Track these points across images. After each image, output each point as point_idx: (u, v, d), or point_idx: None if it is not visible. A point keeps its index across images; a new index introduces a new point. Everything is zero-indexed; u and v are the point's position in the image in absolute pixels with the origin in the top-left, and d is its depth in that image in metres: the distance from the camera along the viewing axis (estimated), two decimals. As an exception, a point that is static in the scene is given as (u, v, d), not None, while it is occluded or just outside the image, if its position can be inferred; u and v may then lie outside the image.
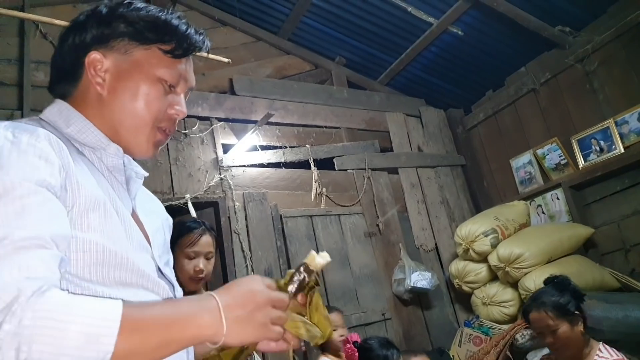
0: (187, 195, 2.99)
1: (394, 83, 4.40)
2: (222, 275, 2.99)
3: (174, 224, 1.55)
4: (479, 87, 4.33)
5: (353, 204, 3.64)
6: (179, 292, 0.89)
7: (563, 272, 3.03)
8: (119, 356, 0.58)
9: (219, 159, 3.24)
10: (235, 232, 3.08)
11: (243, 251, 3.05)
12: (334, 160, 3.73)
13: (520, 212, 3.62)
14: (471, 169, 4.34)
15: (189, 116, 3.26)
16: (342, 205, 3.58)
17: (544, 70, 3.81)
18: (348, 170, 3.76)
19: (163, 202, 3.12)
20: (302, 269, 0.85)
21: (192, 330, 0.65)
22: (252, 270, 3.02)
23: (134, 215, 0.85)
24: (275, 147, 3.53)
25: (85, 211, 0.71)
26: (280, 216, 3.25)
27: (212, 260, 1.72)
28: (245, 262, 3.03)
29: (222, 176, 3.20)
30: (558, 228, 3.45)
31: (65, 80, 0.85)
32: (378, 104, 4.22)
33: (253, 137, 3.35)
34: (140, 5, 0.86)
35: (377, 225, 3.65)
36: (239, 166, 3.30)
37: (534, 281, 3.05)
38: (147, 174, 0.94)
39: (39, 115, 0.83)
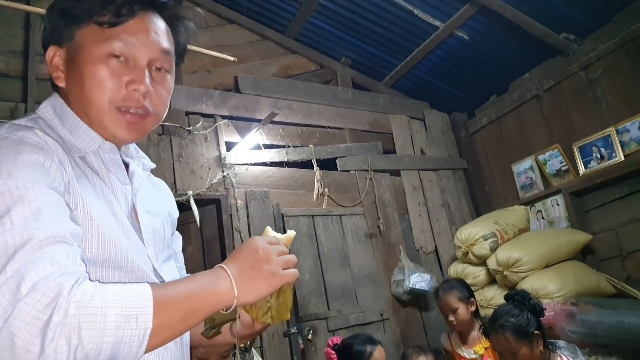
0: (190, 192, 3.02)
1: (398, 85, 4.42)
2: (223, 272, 3.01)
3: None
4: (483, 92, 4.35)
5: (354, 205, 3.67)
6: None
7: (561, 277, 3.10)
8: (155, 331, 0.64)
9: (222, 156, 3.26)
10: (236, 230, 3.11)
11: (244, 249, 3.07)
12: (337, 160, 3.76)
13: (520, 217, 3.64)
14: (473, 173, 4.37)
15: (192, 113, 3.29)
16: (343, 206, 3.61)
17: (548, 76, 3.83)
18: (350, 171, 3.79)
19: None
20: None
21: (212, 297, 0.72)
22: (253, 267, 3.05)
23: (134, 211, 0.86)
24: (278, 146, 3.55)
25: (88, 213, 0.74)
26: (282, 215, 3.28)
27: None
28: (246, 260, 3.05)
29: (224, 174, 3.22)
30: (557, 234, 3.47)
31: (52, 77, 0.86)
32: (382, 105, 4.24)
33: (256, 136, 3.37)
34: None
35: (378, 226, 3.68)
36: (242, 164, 3.33)
37: (531, 285, 3.08)
38: (154, 166, 0.95)
39: (37, 110, 0.83)
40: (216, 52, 2.96)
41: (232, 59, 2.71)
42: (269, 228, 0.90)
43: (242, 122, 3.49)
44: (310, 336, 3.07)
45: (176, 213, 1.03)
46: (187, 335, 0.92)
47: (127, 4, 0.79)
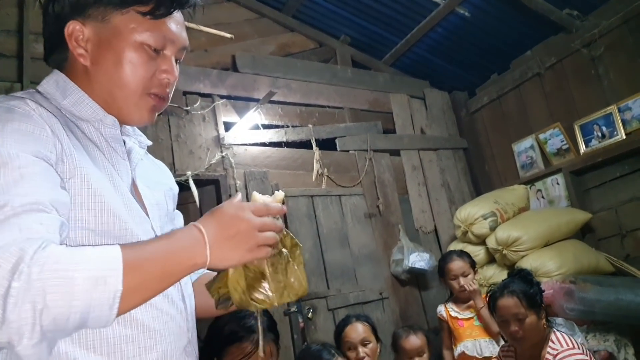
0: (189, 173, 3.00)
1: (398, 64, 4.36)
2: (222, 252, 3.02)
3: (224, 331, 1.41)
4: (484, 70, 4.30)
5: (354, 185, 3.66)
6: None
7: (560, 256, 3.10)
8: (125, 294, 0.62)
9: (221, 136, 3.24)
10: (236, 210, 3.10)
11: (244, 229, 3.07)
12: (336, 140, 3.73)
13: (520, 196, 3.64)
14: (473, 153, 4.35)
15: (190, 93, 3.26)
16: (343, 186, 3.60)
17: (550, 54, 3.78)
18: (350, 151, 3.76)
19: (165, 178, 3.11)
20: None
21: (186, 262, 0.71)
22: (253, 247, 3.05)
23: (134, 186, 0.86)
24: (277, 126, 3.53)
25: (78, 187, 0.73)
26: (281, 195, 3.27)
27: None
28: (246, 240, 3.05)
29: (223, 154, 3.20)
30: (556, 213, 3.47)
31: (55, 51, 0.84)
32: (382, 84, 4.20)
33: (255, 116, 3.34)
34: None
35: (378, 206, 3.68)
36: (241, 144, 3.30)
37: (530, 264, 3.08)
38: (150, 143, 0.96)
39: (37, 87, 0.83)
40: (213, 30, 2.91)
41: (229, 36, 2.67)
42: (255, 193, 0.88)
43: (241, 102, 3.45)
44: (310, 315, 3.09)
45: (176, 188, 1.03)
46: (192, 304, 0.91)
47: (173, 1, 0.82)
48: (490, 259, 3.43)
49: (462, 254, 2.76)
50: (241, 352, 1.35)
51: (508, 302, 1.90)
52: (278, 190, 0.91)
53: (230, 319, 1.40)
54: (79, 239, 0.72)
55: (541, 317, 1.88)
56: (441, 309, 2.77)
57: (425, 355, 2.17)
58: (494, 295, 2.00)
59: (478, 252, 3.45)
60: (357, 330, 2.11)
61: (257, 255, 0.77)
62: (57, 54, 0.85)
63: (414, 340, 2.17)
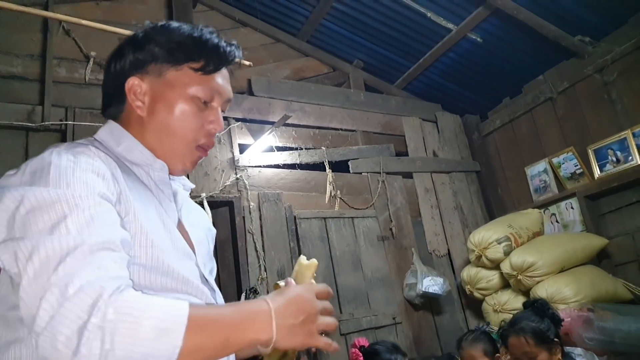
0: (203, 194, 3.03)
1: (411, 87, 4.41)
2: (234, 275, 3.02)
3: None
4: (496, 94, 4.32)
5: (367, 207, 3.66)
6: (220, 297, 0.94)
7: (576, 282, 3.06)
8: (186, 351, 0.64)
9: (235, 158, 3.28)
10: (249, 232, 3.11)
11: (257, 251, 3.08)
12: (349, 163, 3.75)
13: (534, 221, 3.61)
14: (486, 176, 4.34)
15: (207, 116, 3.30)
16: (355, 208, 3.60)
17: (562, 79, 3.80)
18: (363, 174, 3.78)
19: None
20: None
21: (250, 333, 0.70)
22: (265, 270, 3.06)
23: (180, 225, 0.92)
24: (291, 149, 3.56)
25: (133, 225, 0.78)
26: (294, 217, 3.28)
27: None
28: (259, 262, 3.06)
29: (237, 176, 3.24)
30: (572, 238, 3.44)
31: (113, 104, 0.92)
32: (394, 107, 4.24)
33: (269, 138, 3.38)
34: (173, 26, 0.91)
35: (390, 229, 3.67)
36: (255, 166, 3.34)
37: (546, 290, 3.05)
38: (193, 186, 1.03)
39: (94, 135, 0.91)
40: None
41: (247, 63, 2.71)
42: (303, 258, 0.94)
43: (255, 125, 3.50)
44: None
45: (214, 229, 1.09)
46: None
47: (219, 61, 0.90)
48: (505, 284, 3.39)
49: (478, 338, 2.32)
50: None
51: (516, 341, 1.87)
52: (313, 259, 0.97)
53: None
54: (131, 274, 0.75)
55: (555, 353, 1.83)
56: None
57: None
58: (504, 332, 1.97)
59: (492, 277, 3.41)
60: None
61: (315, 342, 0.77)
62: (114, 107, 0.92)
63: None
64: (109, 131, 0.90)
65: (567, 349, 2.29)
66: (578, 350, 2.27)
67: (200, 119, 0.89)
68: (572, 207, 3.71)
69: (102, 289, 0.63)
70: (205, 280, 0.89)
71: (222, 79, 0.92)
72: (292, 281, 0.88)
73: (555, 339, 1.86)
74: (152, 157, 0.89)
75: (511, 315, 3.25)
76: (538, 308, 1.97)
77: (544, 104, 3.94)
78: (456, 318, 3.68)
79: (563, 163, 3.75)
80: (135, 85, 0.88)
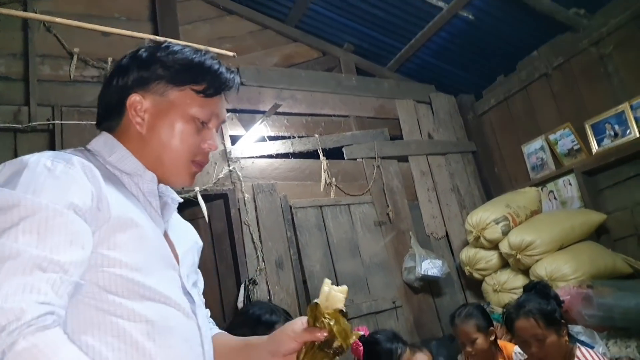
0: (197, 188, 3.00)
1: (403, 69, 4.34)
2: (232, 266, 3.01)
3: (248, 320, 1.49)
4: (490, 72, 4.26)
5: (363, 193, 3.63)
6: (201, 309, 0.95)
7: (575, 259, 3.04)
8: None
9: (228, 150, 3.24)
10: (245, 224, 3.09)
11: (254, 242, 3.07)
12: (343, 149, 3.71)
13: (532, 199, 3.59)
14: (482, 156, 4.30)
15: (197, 108, 3.26)
16: (351, 195, 3.57)
17: (557, 54, 3.73)
18: (357, 159, 3.74)
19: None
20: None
21: None
22: (263, 260, 3.04)
23: (166, 235, 0.92)
24: (283, 137, 3.52)
25: (114, 231, 0.77)
26: (290, 207, 3.26)
27: None
28: (256, 253, 3.05)
29: (231, 168, 3.20)
30: (570, 214, 3.42)
31: (110, 117, 0.94)
32: (387, 91, 4.18)
33: (261, 128, 3.33)
34: (177, 48, 0.94)
35: (387, 214, 3.65)
36: (248, 157, 3.30)
37: (545, 268, 3.04)
38: (181, 200, 1.03)
39: (87, 145, 0.93)
40: (214, 48, 2.91)
41: (230, 54, 2.66)
42: (327, 280, 0.94)
43: (246, 115, 3.45)
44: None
45: (201, 243, 1.10)
46: (210, 353, 0.92)
47: (220, 86, 0.94)
48: (504, 264, 3.38)
49: (472, 314, 2.27)
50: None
51: (525, 323, 1.82)
52: (343, 285, 0.95)
53: (256, 310, 1.52)
54: (107, 281, 0.75)
55: (562, 334, 1.81)
56: None
57: None
58: (510, 316, 1.91)
59: (491, 257, 3.40)
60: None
61: None
62: (111, 120, 0.94)
63: (421, 358, 2.11)
64: (103, 142, 0.92)
65: (570, 333, 2.29)
66: (578, 328, 2.27)
67: (197, 138, 0.92)
68: (569, 184, 3.68)
69: (22, 313, 0.60)
70: (187, 292, 0.89)
71: (220, 102, 0.96)
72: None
73: (562, 320, 1.85)
74: (142, 168, 0.90)
75: (511, 295, 3.26)
76: (541, 290, 1.94)
77: (539, 81, 3.88)
78: (456, 299, 3.67)
79: (560, 139, 3.71)
80: (137, 102, 0.91)
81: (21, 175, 0.73)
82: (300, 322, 0.92)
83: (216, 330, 1.09)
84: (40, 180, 0.73)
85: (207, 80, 0.92)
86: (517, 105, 4.09)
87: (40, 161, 0.75)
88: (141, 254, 0.80)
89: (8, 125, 2.75)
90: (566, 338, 1.82)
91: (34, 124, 2.80)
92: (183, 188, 3.00)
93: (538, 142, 3.88)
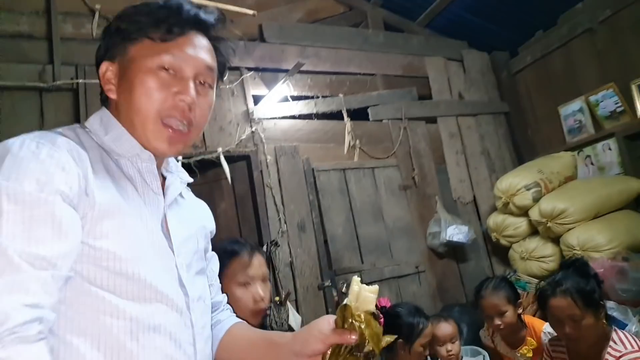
0: (219, 149, 2.96)
1: (434, 24, 4.10)
2: (255, 228, 3.01)
3: (226, 249, 1.46)
4: (527, 28, 3.98)
5: (388, 157, 3.53)
6: (200, 302, 0.88)
7: (610, 229, 2.91)
8: None
9: (250, 111, 3.17)
10: (267, 186, 3.06)
11: (276, 205, 3.04)
12: (368, 110, 3.59)
13: (566, 164, 3.42)
14: (515, 117, 4.10)
15: (218, 66, 3.17)
16: (376, 158, 3.48)
17: (604, 6, 3.43)
18: (383, 121, 3.62)
19: (195, 155, 3.05)
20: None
21: None
22: (285, 223, 3.03)
23: (164, 221, 0.86)
24: (306, 97, 3.41)
25: (100, 219, 0.72)
26: (313, 170, 3.19)
27: (269, 284, 1.50)
28: (278, 216, 3.03)
29: (253, 129, 3.14)
30: (607, 182, 3.24)
31: (102, 92, 0.90)
32: (417, 47, 3.97)
33: (284, 88, 3.23)
34: (138, 4, 0.87)
35: (413, 177, 3.55)
36: (270, 118, 3.22)
37: (577, 237, 2.93)
38: (191, 180, 0.97)
39: (85, 122, 0.88)
40: (236, 7, 2.80)
41: (251, 12, 2.53)
42: (355, 279, 0.85)
43: (269, 74, 3.34)
44: (344, 289, 3.06)
45: (212, 226, 1.03)
46: (205, 350, 0.88)
47: (178, 23, 0.84)
48: (533, 231, 3.27)
49: (500, 285, 2.19)
50: (240, 265, 1.44)
51: (561, 302, 1.70)
52: (374, 285, 0.88)
53: (217, 248, 1.49)
54: (92, 275, 0.71)
55: (600, 317, 1.68)
56: (486, 339, 2.36)
57: (458, 342, 2.07)
58: (545, 293, 1.79)
59: (520, 224, 3.29)
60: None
61: None
62: (102, 94, 0.90)
63: (445, 327, 2.08)
64: (99, 119, 0.86)
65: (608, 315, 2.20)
66: (610, 304, 2.18)
67: (165, 91, 0.82)
68: (609, 149, 3.47)
69: (6, 318, 0.56)
70: (182, 283, 0.82)
71: (190, 46, 0.85)
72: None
73: (601, 302, 1.72)
74: (138, 147, 0.84)
75: (539, 263, 3.18)
76: (580, 268, 1.80)
77: (582, 36, 3.60)
78: (481, 265, 3.61)
79: (601, 101, 3.47)
80: (104, 69, 0.86)
81: (3, 161, 0.68)
82: (327, 322, 0.84)
83: (234, 320, 1.03)
84: (24, 165, 0.68)
85: (163, 23, 0.83)
86: (556, 63, 3.83)
87: (24, 144, 0.70)
88: (128, 242, 0.74)
89: (34, 84, 2.74)
90: (604, 320, 1.70)
91: (58, 83, 2.78)
92: (206, 148, 2.97)
93: (576, 104, 3.65)
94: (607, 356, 1.60)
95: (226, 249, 1.45)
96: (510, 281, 2.33)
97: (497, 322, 2.07)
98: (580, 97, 3.61)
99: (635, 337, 1.64)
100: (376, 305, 1.85)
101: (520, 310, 2.16)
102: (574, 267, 1.83)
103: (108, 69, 0.85)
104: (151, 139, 0.83)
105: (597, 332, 1.68)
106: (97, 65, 0.89)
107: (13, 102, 2.71)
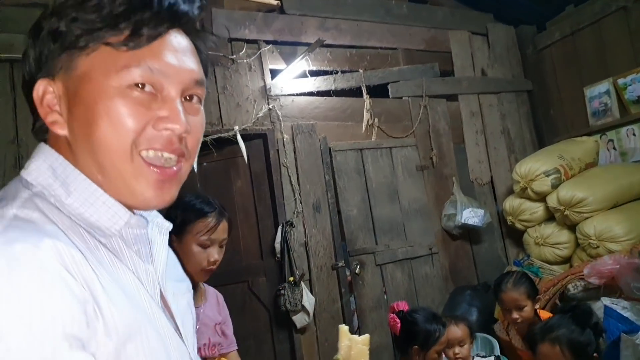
0: (236, 127, 2.92)
1: (459, -5, 3.93)
2: (271, 207, 3.01)
3: (181, 203, 1.41)
4: (557, 1, 3.79)
5: (406, 136, 3.47)
6: None
7: (629, 220, 2.88)
8: None
9: (267, 87, 3.10)
10: (284, 166, 3.04)
11: (292, 185, 3.03)
12: (389, 86, 3.50)
13: (588, 150, 3.35)
14: (538, 96, 3.98)
15: (235, 39, 3.09)
16: (394, 137, 3.42)
17: (642, -17, 3.25)
18: (403, 98, 3.54)
19: (212, 133, 3.02)
20: None
21: None
22: (301, 203, 3.03)
23: (163, 299, 0.66)
24: (325, 73, 3.32)
25: (123, 345, 0.52)
26: (330, 149, 3.16)
27: (224, 249, 1.50)
28: (294, 196, 3.03)
29: (270, 106, 3.08)
30: (629, 170, 3.18)
31: (37, 120, 0.62)
32: (441, 20, 3.82)
33: (302, 62, 3.15)
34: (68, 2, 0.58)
35: (431, 158, 3.50)
36: (288, 95, 3.16)
37: (594, 227, 2.91)
38: (170, 226, 0.72)
39: (26, 175, 0.59)
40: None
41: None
42: (343, 327, 0.82)
43: (287, 47, 3.25)
44: (357, 270, 3.10)
45: (189, 284, 0.80)
46: None
47: (148, 20, 0.57)
48: (550, 216, 3.25)
49: (520, 281, 2.18)
50: (206, 226, 1.43)
51: (549, 350, 1.62)
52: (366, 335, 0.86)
53: (186, 201, 1.47)
54: None
55: None
56: (501, 332, 2.36)
57: (467, 346, 2.11)
58: (534, 337, 1.72)
59: (537, 209, 3.27)
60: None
61: None
62: (38, 123, 0.62)
63: (455, 331, 2.10)
64: (49, 169, 0.59)
65: (612, 301, 2.21)
66: (624, 303, 2.18)
67: (142, 116, 0.57)
68: (634, 134, 3.39)
69: None
70: None
71: (169, 52, 0.59)
72: None
73: (595, 355, 1.66)
74: (123, 211, 0.59)
75: (553, 249, 3.18)
76: (580, 316, 1.73)
77: (615, 14, 3.44)
78: (495, 247, 3.62)
79: (630, 84, 3.35)
80: (41, 92, 0.59)
81: None
82: None
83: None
84: (2, 299, 0.44)
85: (119, 20, 0.56)
86: (585, 42, 3.67)
87: None
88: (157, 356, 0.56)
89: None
90: None
91: None
92: (222, 126, 2.94)
93: (604, 85, 3.53)
94: None
95: (195, 206, 1.46)
96: (530, 277, 2.34)
97: (515, 316, 2.10)
98: (608, 79, 3.48)
99: None
100: (393, 309, 1.85)
101: (537, 306, 2.18)
102: (574, 313, 1.76)
103: (47, 91, 0.59)
104: (132, 184, 0.58)
105: None
106: (27, 84, 0.61)
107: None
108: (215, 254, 1.45)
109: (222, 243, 1.48)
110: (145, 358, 0.54)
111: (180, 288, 0.73)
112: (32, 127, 0.64)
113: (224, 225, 1.47)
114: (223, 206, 1.52)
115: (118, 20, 0.56)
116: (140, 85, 0.57)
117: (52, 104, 0.59)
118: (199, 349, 1.46)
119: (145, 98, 0.58)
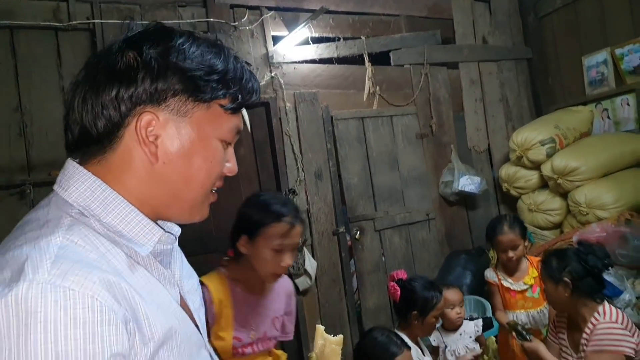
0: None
1: (463, -41, 3.86)
2: (274, 176, 3.09)
3: (257, 202, 1.47)
4: (562, -33, 3.76)
5: (407, 104, 3.52)
6: None
7: (618, 187, 3.00)
8: None
9: (270, 54, 3.11)
10: (286, 134, 3.09)
11: (294, 153, 3.10)
12: (390, 54, 3.51)
13: (583, 120, 3.43)
14: (537, 63, 4.01)
15: (237, 5, 3.07)
16: (395, 105, 3.47)
17: (647, -49, 3.23)
18: (405, 66, 3.56)
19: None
20: None
21: None
22: (303, 171, 3.11)
23: (182, 302, 0.75)
24: (327, 40, 3.32)
25: (156, 351, 0.60)
26: (331, 118, 3.21)
27: (296, 252, 1.48)
28: (296, 164, 3.10)
29: (272, 74, 3.11)
30: (621, 139, 3.28)
31: (96, 140, 0.66)
32: (443, -15, 3.79)
33: (304, 30, 3.14)
34: (192, 48, 0.67)
35: (430, 126, 3.57)
36: (290, 62, 3.17)
37: (585, 195, 3.03)
38: (179, 231, 0.81)
39: (66, 195, 0.65)
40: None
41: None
42: (320, 328, 0.87)
43: (290, 13, 3.23)
44: (357, 235, 3.22)
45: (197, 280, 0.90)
46: None
47: (250, 94, 0.73)
48: (544, 184, 3.36)
49: (514, 223, 2.41)
50: (281, 231, 1.41)
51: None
52: (339, 335, 0.91)
53: (263, 201, 1.49)
54: None
55: (561, 289, 1.79)
56: (492, 275, 2.51)
57: (463, 308, 2.26)
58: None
59: (531, 177, 3.38)
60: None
61: None
62: (98, 145, 0.66)
63: (452, 294, 2.23)
64: (89, 190, 0.65)
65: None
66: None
67: (223, 164, 0.74)
68: (627, 104, 3.46)
69: None
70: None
71: (240, 115, 0.76)
72: None
73: (566, 279, 1.80)
74: (158, 231, 0.69)
75: (545, 216, 3.31)
76: (581, 252, 1.83)
77: (618, -17, 3.43)
78: (490, 213, 3.74)
79: (627, 55, 3.39)
80: (147, 122, 0.65)
81: (28, 332, 0.50)
82: None
83: None
84: (60, 338, 0.51)
85: (234, 91, 0.69)
86: (586, 10, 3.67)
87: (47, 299, 0.51)
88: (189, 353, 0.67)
89: (48, 23, 2.67)
90: (566, 295, 1.77)
91: (74, 22, 2.71)
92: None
93: (602, 55, 3.57)
94: (589, 324, 1.73)
95: (271, 207, 1.44)
96: (519, 218, 2.68)
97: (511, 254, 2.33)
98: (607, 49, 3.52)
99: (620, 312, 1.74)
100: (393, 277, 1.95)
101: (526, 243, 2.45)
102: (580, 245, 1.96)
103: (153, 124, 0.65)
104: (198, 209, 0.73)
105: (566, 300, 1.78)
106: (111, 97, 0.64)
107: (29, 42, 2.65)
108: (288, 259, 1.43)
109: (295, 247, 1.46)
110: (175, 359, 0.63)
111: (192, 285, 0.82)
112: (74, 143, 0.68)
113: (298, 229, 1.45)
114: (297, 208, 1.52)
115: (231, 89, 0.70)
116: (226, 141, 0.73)
117: (151, 134, 0.66)
118: (250, 344, 1.47)
119: (224, 150, 0.74)
